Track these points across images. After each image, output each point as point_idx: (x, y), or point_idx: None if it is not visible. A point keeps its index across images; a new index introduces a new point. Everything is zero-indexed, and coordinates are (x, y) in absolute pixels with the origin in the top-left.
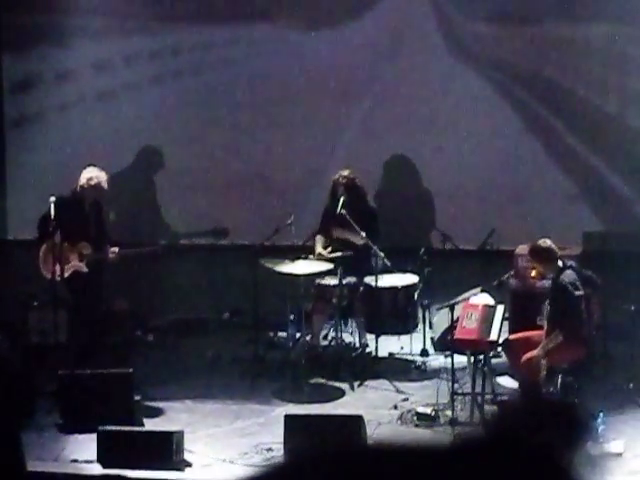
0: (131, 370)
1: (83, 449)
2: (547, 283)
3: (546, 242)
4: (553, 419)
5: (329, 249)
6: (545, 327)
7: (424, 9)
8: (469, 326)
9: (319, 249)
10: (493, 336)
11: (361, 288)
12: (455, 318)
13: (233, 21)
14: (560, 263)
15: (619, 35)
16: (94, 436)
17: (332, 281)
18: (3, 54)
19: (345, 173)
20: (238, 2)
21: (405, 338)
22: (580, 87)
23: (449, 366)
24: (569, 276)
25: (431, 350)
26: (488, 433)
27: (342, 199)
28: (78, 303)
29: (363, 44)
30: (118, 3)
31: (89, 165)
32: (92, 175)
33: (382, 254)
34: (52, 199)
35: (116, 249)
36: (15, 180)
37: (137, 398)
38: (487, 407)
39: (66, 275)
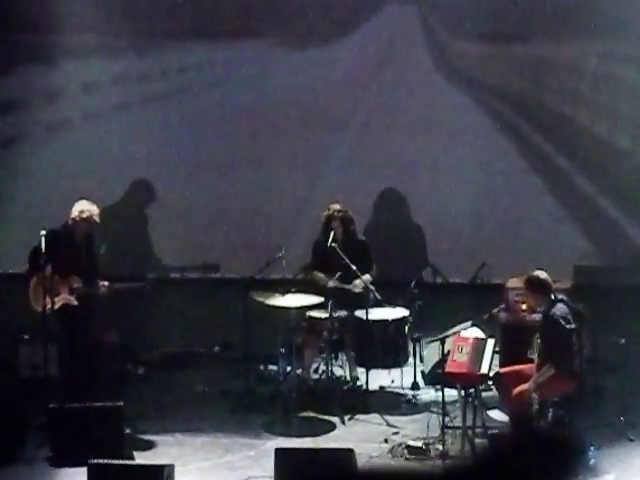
0: (122, 403)
1: None
2: (538, 317)
3: (542, 274)
4: (546, 451)
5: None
6: (536, 361)
7: (413, 27)
8: (460, 359)
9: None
10: (484, 369)
11: (352, 321)
12: (446, 351)
13: (221, 40)
14: (552, 296)
15: (609, 55)
16: (84, 470)
17: (323, 314)
18: None
19: (338, 207)
20: (227, 21)
21: (396, 371)
22: (569, 109)
23: (440, 399)
24: (561, 309)
25: (422, 383)
26: (478, 462)
27: (332, 233)
28: (68, 336)
29: (351, 63)
30: (106, 22)
31: (80, 198)
32: (84, 208)
33: (373, 287)
34: (43, 232)
35: (106, 283)
36: (2, 213)
37: (127, 431)
38: (478, 441)
39: (56, 308)
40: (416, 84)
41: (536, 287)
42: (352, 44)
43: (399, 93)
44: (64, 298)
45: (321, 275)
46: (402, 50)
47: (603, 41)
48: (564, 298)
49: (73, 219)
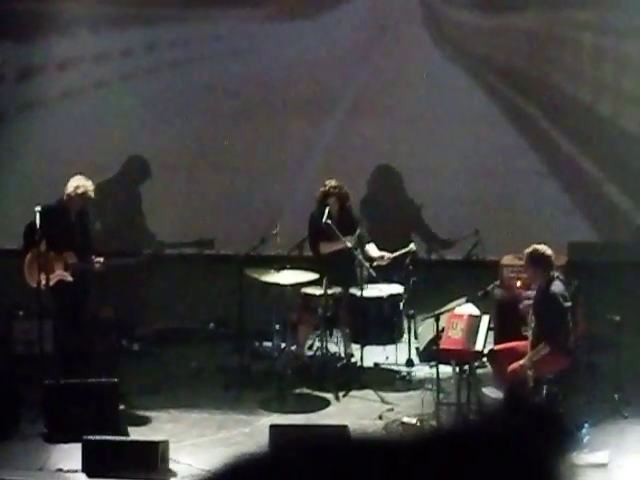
0: (116, 380)
1: (68, 458)
2: (532, 293)
3: (547, 250)
4: (539, 425)
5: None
6: (530, 337)
7: None
8: (454, 336)
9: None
10: (478, 346)
11: (346, 298)
12: (440, 328)
13: (209, 13)
14: (550, 273)
15: (610, 28)
16: (79, 446)
17: (317, 291)
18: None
19: (334, 183)
20: None
21: (390, 348)
22: (571, 86)
23: (434, 376)
24: (558, 287)
25: (416, 360)
26: (471, 430)
27: (327, 209)
28: (63, 313)
29: (345, 33)
30: None
31: (76, 174)
32: (79, 184)
33: (367, 264)
34: (38, 208)
35: (101, 259)
36: (3, 185)
37: (122, 408)
38: (472, 417)
39: (51, 284)
40: (411, 57)
41: (538, 261)
42: (344, 15)
43: (393, 67)
44: (59, 274)
45: (328, 246)
46: (397, 21)
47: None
48: (560, 275)
49: (68, 195)
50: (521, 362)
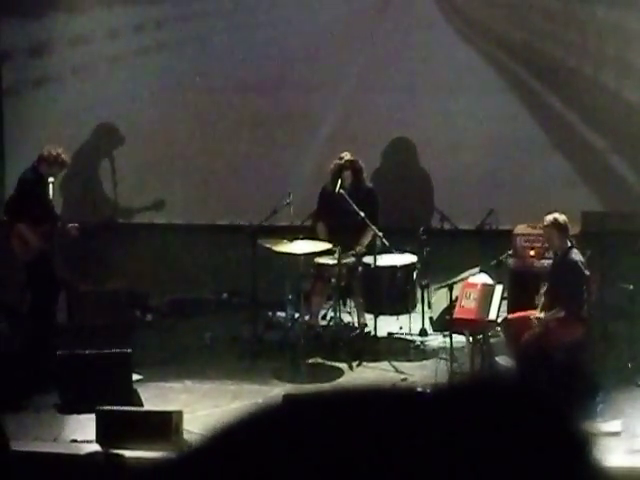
0: (129, 350)
1: (82, 429)
2: (546, 263)
3: (565, 217)
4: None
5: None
6: (542, 300)
7: None
8: (468, 306)
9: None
10: (492, 316)
11: (360, 268)
12: (454, 298)
13: None
14: (568, 242)
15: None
16: (93, 416)
17: (331, 261)
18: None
19: (349, 157)
20: None
21: (404, 318)
22: (574, 59)
23: (448, 346)
24: (578, 255)
25: (430, 330)
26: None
27: (340, 180)
28: (42, 284)
29: (351, 6)
30: None
31: (50, 147)
32: (60, 151)
33: (381, 234)
34: (51, 179)
35: (76, 224)
36: (14, 159)
37: (136, 378)
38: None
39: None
40: (418, 30)
41: (561, 228)
42: None
43: (400, 38)
44: (41, 246)
45: (323, 232)
46: None
47: None
48: (576, 245)
49: (48, 163)
50: (534, 316)
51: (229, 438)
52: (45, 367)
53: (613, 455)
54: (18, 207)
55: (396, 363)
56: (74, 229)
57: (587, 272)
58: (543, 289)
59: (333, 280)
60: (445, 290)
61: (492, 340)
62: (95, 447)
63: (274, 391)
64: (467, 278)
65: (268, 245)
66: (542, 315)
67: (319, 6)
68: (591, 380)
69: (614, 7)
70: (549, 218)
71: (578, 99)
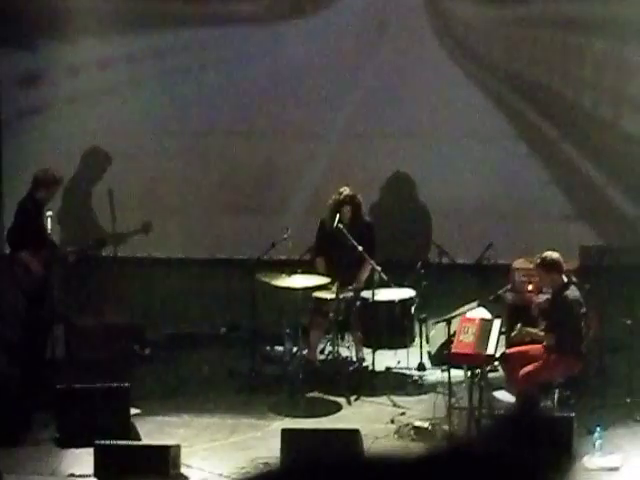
0: (128, 384)
1: (80, 463)
2: (544, 297)
3: (555, 255)
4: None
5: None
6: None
7: None
8: (466, 340)
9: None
10: (490, 350)
11: (358, 302)
12: (452, 332)
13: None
14: (564, 278)
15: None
16: (91, 450)
17: (329, 295)
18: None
19: (348, 192)
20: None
21: (402, 352)
22: (572, 92)
23: (446, 380)
24: (573, 292)
25: (428, 364)
26: (481, 445)
27: (338, 215)
28: (34, 310)
29: (346, 31)
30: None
31: (41, 169)
32: (51, 171)
33: (379, 268)
34: (49, 213)
35: (74, 249)
36: (11, 187)
37: (134, 412)
38: (484, 421)
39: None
40: (414, 55)
41: (551, 267)
42: (343, 10)
43: (396, 65)
44: (42, 272)
45: (322, 267)
46: (399, 16)
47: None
48: (574, 280)
49: (47, 187)
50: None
51: None
52: (38, 398)
53: None
54: (19, 236)
55: (394, 397)
56: (72, 254)
57: (583, 309)
58: (541, 327)
59: (331, 314)
60: (443, 324)
61: (490, 375)
62: None
63: (272, 425)
64: (465, 313)
65: (266, 279)
66: (532, 330)
67: (315, 30)
68: (589, 415)
69: (612, 39)
70: (537, 261)
71: (576, 132)
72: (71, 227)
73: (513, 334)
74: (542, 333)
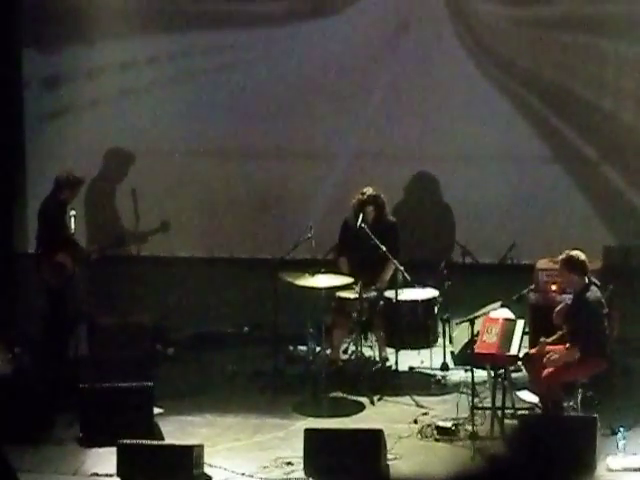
0: (151, 384)
1: (103, 463)
2: (568, 298)
3: (581, 255)
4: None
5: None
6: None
7: None
8: (489, 340)
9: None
10: (513, 350)
11: (381, 302)
12: (475, 332)
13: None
14: (586, 279)
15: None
16: (114, 450)
17: (352, 295)
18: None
19: (371, 192)
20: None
21: (425, 352)
22: (590, 93)
23: (469, 380)
24: (594, 293)
25: (451, 364)
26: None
27: (362, 214)
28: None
29: (367, 31)
30: (137, 4)
31: (63, 171)
32: (72, 172)
33: (402, 268)
34: (72, 212)
35: (96, 246)
36: (36, 191)
37: (157, 412)
38: (507, 421)
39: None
40: (435, 54)
41: (574, 267)
42: (366, 10)
43: (418, 66)
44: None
45: (345, 266)
46: (420, 17)
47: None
48: (596, 281)
49: (71, 188)
50: (550, 356)
51: None
52: (61, 398)
53: None
54: (47, 236)
55: (417, 397)
56: (94, 252)
57: (605, 310)
58: (564, 331)
59: (354, 314)
60: (467, 324)
61: (514, 375)
62: None
63: (295, 425)
64: (488, 313)
65: (289, 279)
66: (556, 356)
67: (336, 30)
68: (612, 416)
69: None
70: (560, 259)
71: (597, 134)
72: (93, 226)
73: (536, 349)
74: (562, 348)
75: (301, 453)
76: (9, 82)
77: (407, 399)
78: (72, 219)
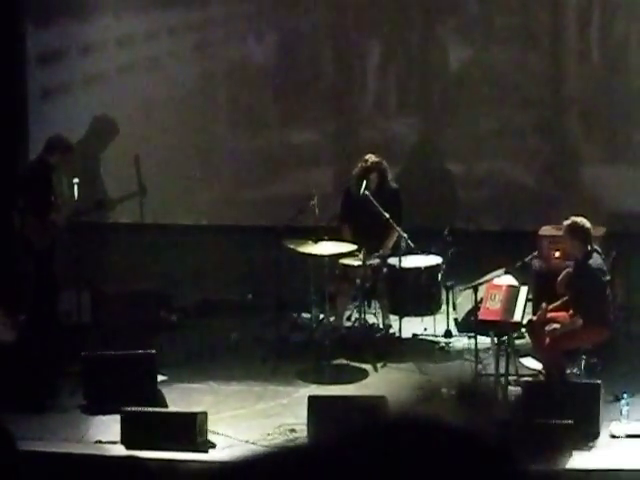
0: (154, 351)
1: (107, 430)
2: (571, 264)
3: (586, 222)
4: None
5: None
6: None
7: None
8: (493, 307)
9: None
10: (517, 317)
11: (384, 269)
12: (479, 299)
13: None
14: (588, 246)
15: None
16: (118, 417)
17: (355, 262)
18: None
19: (374, 159)
20: None
21: (428, 319)
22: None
23: (473, 347)
24: (596, 260)
25: (455, 331)
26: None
27: (365, 181)
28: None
29: None
30: None
31: (55, 134)
32: (71, 143)
33: (405, 235)
34: (76, 180)
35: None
36: None
37: (160, 379)
38: (511, 388)
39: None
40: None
41: (577, 233)
42: None
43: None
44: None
45: (347, 234)
46: None
47: None
48: (598, 249)
49: (62, 154)
50: (555, 326)
51: None
52: (64, 365)
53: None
54: (32, 197)
55: (421, 364)
56: (60, 220)
57: (607, 277)
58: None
59: (358, 281)
60: (470, 291)
61: (517, 342)
62: (120, 448)
63: (299, 392)
64: (492, 279)
65: (293, 246)
66: (558, 326)
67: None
68: (616, 382)
69: None
70: (564, 225)
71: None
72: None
73: (537, 315)
74: (564, 314)
75: (304, 420)
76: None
77: (411, 366)
78: (75, 187)
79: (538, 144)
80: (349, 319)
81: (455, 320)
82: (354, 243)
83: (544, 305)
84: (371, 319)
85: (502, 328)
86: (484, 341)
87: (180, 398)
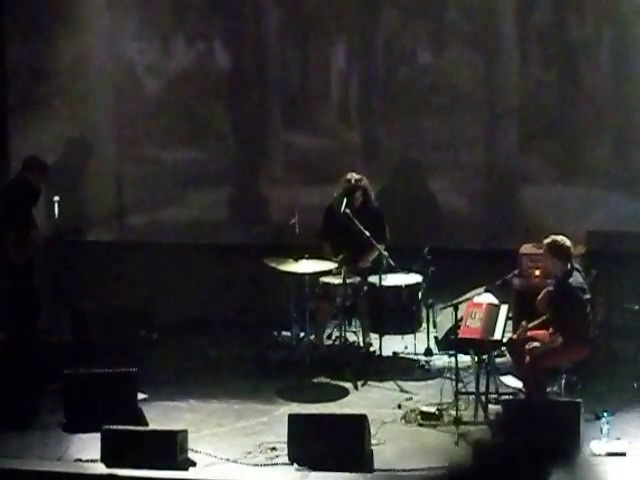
0: (135, 369)
1: (87, 448)
2: (551, 282)
3: (566, 241)
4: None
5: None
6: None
7: None
8: (473, 325)
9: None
10: (497, 335)
11: (365, 288)
12: (459, 317)
13: None
14: (569, 265)
15: None
16: (98, 435)
17: (336, 280)
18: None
19: (357, 176)
20: None
21: (409, 337)
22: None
23: (453, 365)
24: (577, 279)
25: (435, 349)
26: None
27: (346, 199)
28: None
29: None
30: None
31: (30, 155)
32: (46, 164)
33: (386, 253)
34: (56, 198)
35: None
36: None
37: (141, 397)
38: (491, 406)
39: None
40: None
41: (557, 252)
42: None
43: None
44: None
45: (328, 251)
46: None
47: None
48: (578, 267)
49: (42, 173)
50: (535, 344)
51: None
52: (45, 383)
53: (619, 476)
54: (11, 215)
55: (401, 383)
56: (38, 237)
57: (587, 296)
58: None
59: (338, 299)
60: (450, 310)
61: (497, 360)
62: (100, 466)
63: (279, 410)
64: (472, 298)
65: (273, 264)
66: (539, 345)
67: None
68: (596, 401)
69: None
70: (544, 243)
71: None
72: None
73: (517, 333)
74: (544, 333)
75: (285, 438)
76: None
77: (391, 384)
78: (55, 204)
79: (519, 165)
80: (330, 337)
81: (435, 338)
82: (335, 261)
83: (524, 323)
84: (352, 337)
85: (482, 346)
86: (464, 359)
87: (161, 416)
